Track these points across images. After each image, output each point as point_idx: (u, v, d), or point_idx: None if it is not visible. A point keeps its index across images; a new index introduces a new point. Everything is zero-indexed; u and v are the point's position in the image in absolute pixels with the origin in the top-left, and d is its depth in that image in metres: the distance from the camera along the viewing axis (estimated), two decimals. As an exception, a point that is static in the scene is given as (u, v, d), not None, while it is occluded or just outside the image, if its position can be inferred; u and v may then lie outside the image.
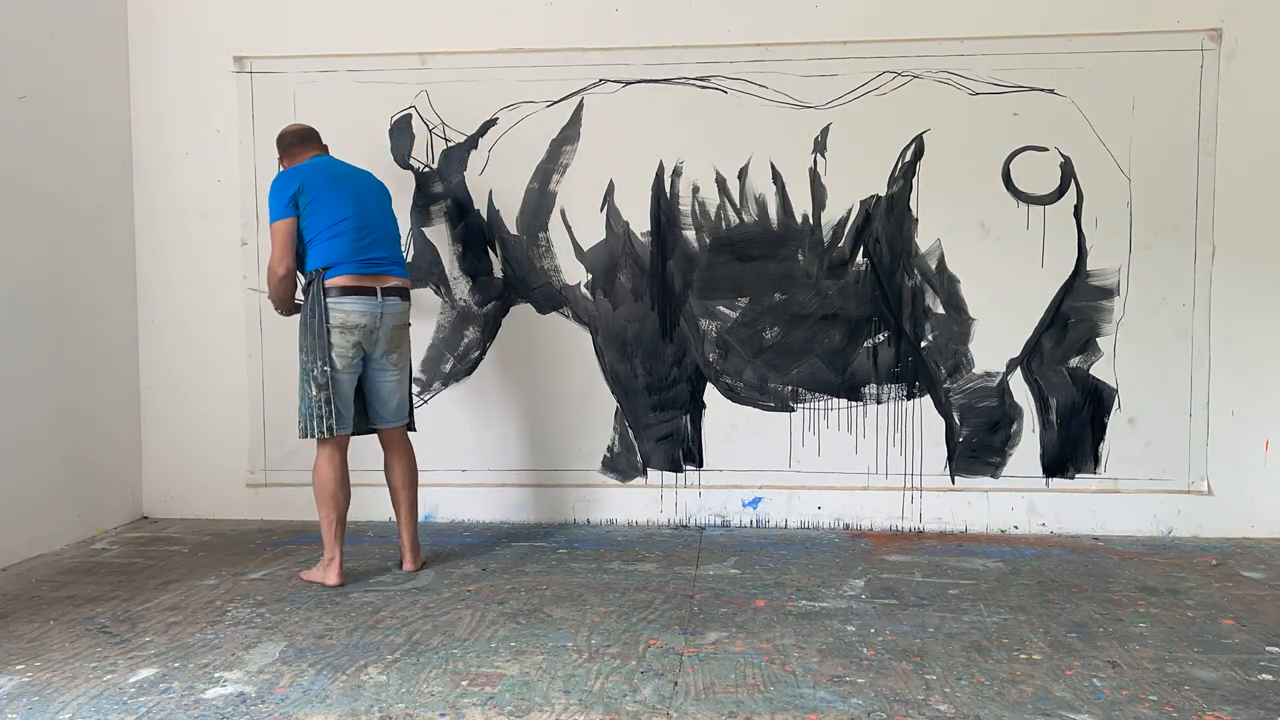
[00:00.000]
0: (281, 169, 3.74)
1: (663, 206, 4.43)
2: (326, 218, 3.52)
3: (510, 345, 4.53)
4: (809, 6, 4.34)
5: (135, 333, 4.66)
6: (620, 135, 4.42)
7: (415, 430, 3.88)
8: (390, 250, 3.65)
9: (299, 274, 3.63)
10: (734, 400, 4.46)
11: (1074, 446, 4.33)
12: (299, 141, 3.74)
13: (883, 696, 2.61)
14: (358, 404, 3.67)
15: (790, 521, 4.45)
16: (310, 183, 3.54)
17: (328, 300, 3.47)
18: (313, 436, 3.52)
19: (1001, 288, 4.31)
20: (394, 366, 3.65)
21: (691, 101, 4.39)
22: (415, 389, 4.53)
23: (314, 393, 3.49)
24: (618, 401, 4.50)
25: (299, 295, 3.64)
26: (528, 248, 4.49)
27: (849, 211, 4.36)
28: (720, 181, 4.40)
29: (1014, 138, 4.28)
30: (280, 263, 3.53)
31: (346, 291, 3.48)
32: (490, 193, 4.49)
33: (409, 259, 4.45)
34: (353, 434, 3.67)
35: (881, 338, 4.38)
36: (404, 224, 4.46)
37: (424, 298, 4.52)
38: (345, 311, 3.47)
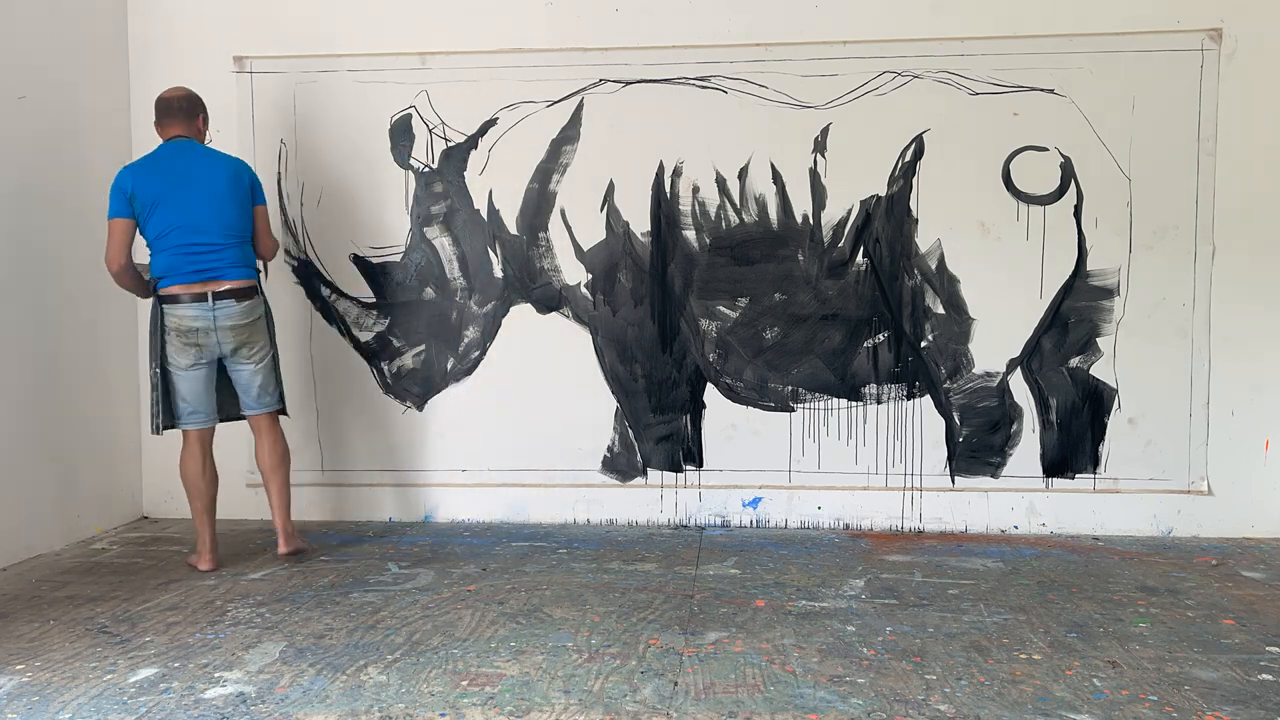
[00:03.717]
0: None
1: (663, 206, 4.43)
2: (155, 227, 3.66)
3: (510, 345, 4.52)
4: (809, 6, 4.34)
5: (135, 333, 4.65)
6: (620, 135, 4.42)
7: (287, 414, 4.03)
8: (224, 254, 3.70)
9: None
10: (734, 400, 4.46)
11: (1074, 447, 4.33)
12: (161, 115, 3.80)
13: (883, 696, 2.61)
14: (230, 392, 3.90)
15: (790, 521, 4.45)
16: (141, 189, 3.66)
17: (162, 306, 3.67)
18: (154, 432, 3.78)
19: (1001, 288, 4.31)
20: (247, 360, 3.78)
21: (691, 101, 4.39)
22: (415, 387, 4.55)
23: (150, 391, 3.76)
24: (618, 401, 4.49)
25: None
26: (528, 248, 4.49)
27: (849, 211, 4.36)
28: (720, 181, 4.40)
29: (1014, 138, 4.28)
30: (113, 260, 3.69)
31: (176, 300, 3.66)
32: (490, 193, 4.49)
33: (401, 259, 4.45)
34: (224, 420, 3.92)
35: (881, 338, 4.38)
36: (404, 224, 4.47)
37: (424, 297, 4.52)
38: (178, 316, 3.66)
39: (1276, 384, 4.25)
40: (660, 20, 4.38)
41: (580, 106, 4.44)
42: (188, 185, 3.69)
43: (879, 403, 4.40)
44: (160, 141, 3.82)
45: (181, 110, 3.80)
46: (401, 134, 4.49)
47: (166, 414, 3.75)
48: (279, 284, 4.56)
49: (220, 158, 3.81)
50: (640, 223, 4.44)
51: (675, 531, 4.41)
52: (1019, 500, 4.35)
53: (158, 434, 3.80)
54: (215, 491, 3.85)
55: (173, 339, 3.66)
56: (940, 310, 4.35)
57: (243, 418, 3.94)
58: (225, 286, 3.68)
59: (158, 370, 3.70)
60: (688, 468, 4.50)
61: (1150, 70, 4.21)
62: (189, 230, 3.66)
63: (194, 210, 3.67)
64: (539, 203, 4.47)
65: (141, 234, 3.71)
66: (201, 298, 3.65)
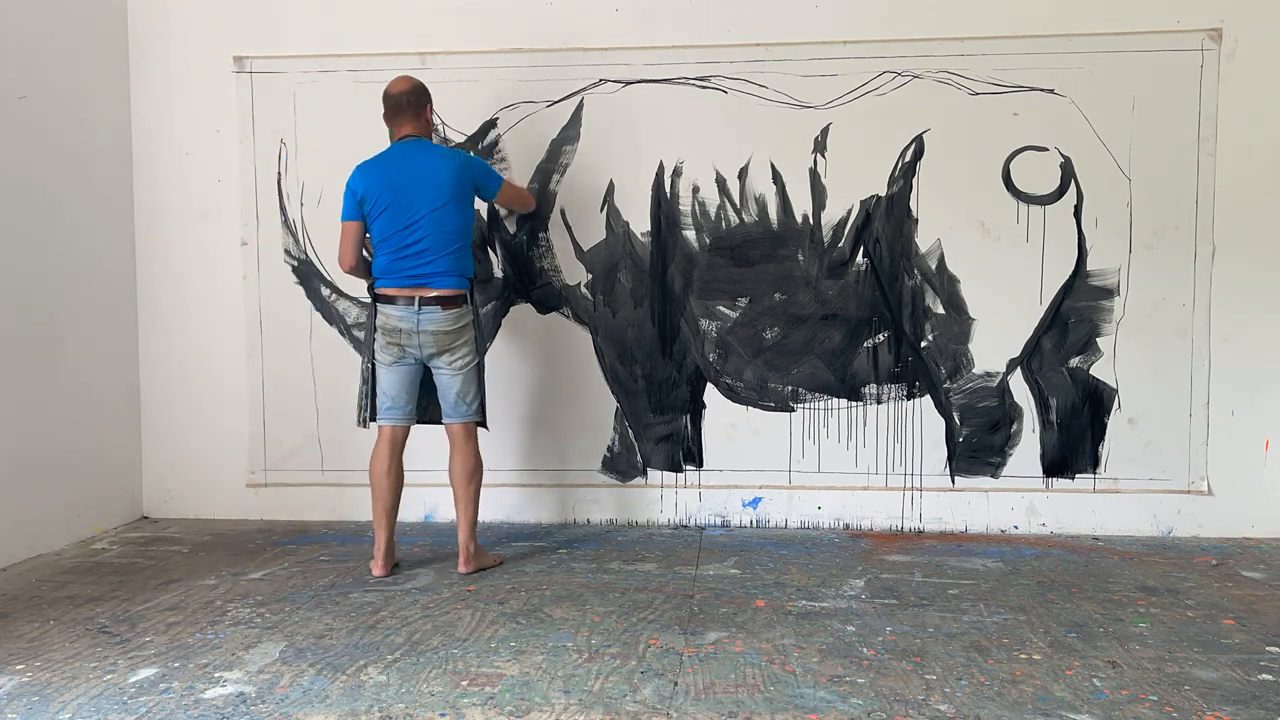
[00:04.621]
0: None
1: (663, 206, 4.43)
2: (378, 232, 3.73)
3: (510, 345, 4.52)
4: (809, 6, 4.34)
5: (135, 333, 4.66)
6: (620, 135, 4.42)
7: (485, 427, 3.92)
8: (437, 263, 3.69)
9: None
10: (734, 400, 4.45)
11: (1074, 447, 4.33)
12: (391, 112, 3.77)
13: (883, 696, 2.61)
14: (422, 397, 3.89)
15: (790, 521, 4.45)
16: (371, 192, 3.71)
17: (376, 305, 3.76)
18: (360, 425, 3.89)
19: (1001, 288, 4.31)
20: (446, 366, 3.75)
21: (691, 101, 4.39)
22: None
23: (360, 384, 3.88)
24: (618, 401, 4.49)
25: None
26: (528, 248, 4.49)
27: (849, 211, 4.36)
28: (720, 181, 4.40)
29: (1014, 138, 4.28)
30: (343, 260, 3.82)
31: (387, 300, 3.72)
32: (490, 193, 4.49)
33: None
34: (418, 423, 3.88)
35: (881, 338, 4.38)
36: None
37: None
38: (385, 314, 3.73)
39: (1276, 384, 4.25)
40: (660, 20, 4.38)
41: (580, 106, 4.44)
42: (411, 191, 3.67)
43: (879, 403, 4.40)
44: (390, 135, 3.81)
45: (410, 106, 3.74)
46: (401, 134, 4.49)
47: (372, 408, 3.82)
48: (279, 285, 4.57)
49: (447, 160, 3.73)
50: (640, 223, 4.44)
51: (675, 531, 4.41)
52: (1019, 500, 4.35)
53: (364, 427, 3.88)
54: (398, 495, 3.78)
55: (379, 336, 3.73)
56: (940, 310, 4.35)
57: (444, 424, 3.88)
58: (433, 294, 3.68)
59: (369, 365, 3.80)
60: (688, 468, 4.50)
61: (1150, 70, 4.21)
62: (406, 236, 3.68)
63: (414, 217, 3.67)
64: (539, 202, 4.47)
65: (368, 233, 3.77)
66: (410, 301, 3.68)
